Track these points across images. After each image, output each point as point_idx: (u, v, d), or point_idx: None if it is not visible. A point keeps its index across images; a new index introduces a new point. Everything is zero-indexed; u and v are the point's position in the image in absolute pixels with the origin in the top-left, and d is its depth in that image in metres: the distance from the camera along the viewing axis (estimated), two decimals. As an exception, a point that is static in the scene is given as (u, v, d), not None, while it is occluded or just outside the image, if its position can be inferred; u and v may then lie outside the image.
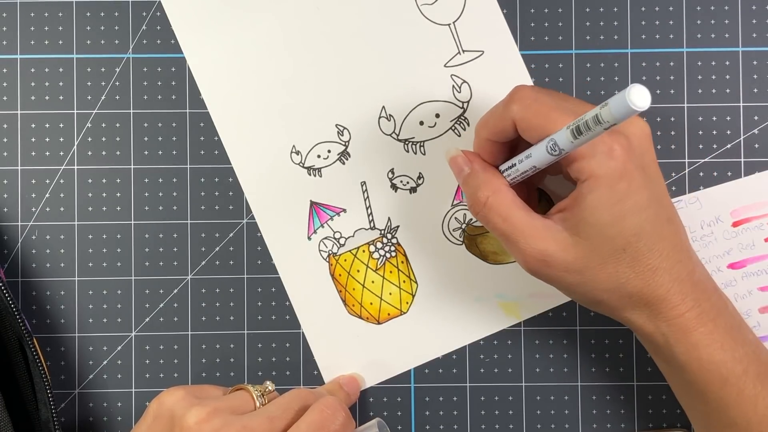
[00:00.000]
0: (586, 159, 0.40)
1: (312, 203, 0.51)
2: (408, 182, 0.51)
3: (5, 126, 0.51)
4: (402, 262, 0.51)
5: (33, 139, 0.51)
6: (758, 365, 0.42)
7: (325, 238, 0.51)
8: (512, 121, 0.42)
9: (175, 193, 0.51)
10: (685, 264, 0.42)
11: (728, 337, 0.42)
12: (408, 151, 0.51)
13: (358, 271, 0.51)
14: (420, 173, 0.51)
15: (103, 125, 0.51)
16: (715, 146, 0.51)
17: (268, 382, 0.45)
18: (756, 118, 0.50)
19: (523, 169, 0.43)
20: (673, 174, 0.50)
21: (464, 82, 0.50)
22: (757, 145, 0.50)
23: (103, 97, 0.51)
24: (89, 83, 0.51)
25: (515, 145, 0.45)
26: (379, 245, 0.51)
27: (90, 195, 0.51)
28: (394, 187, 0.51)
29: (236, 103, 0.51)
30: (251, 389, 0.44)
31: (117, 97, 0.51)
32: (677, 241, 0.42)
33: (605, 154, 0.40)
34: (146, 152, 0.51)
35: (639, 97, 0.34)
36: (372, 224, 0.51)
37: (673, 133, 0.51)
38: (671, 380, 0.45)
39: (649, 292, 0.41)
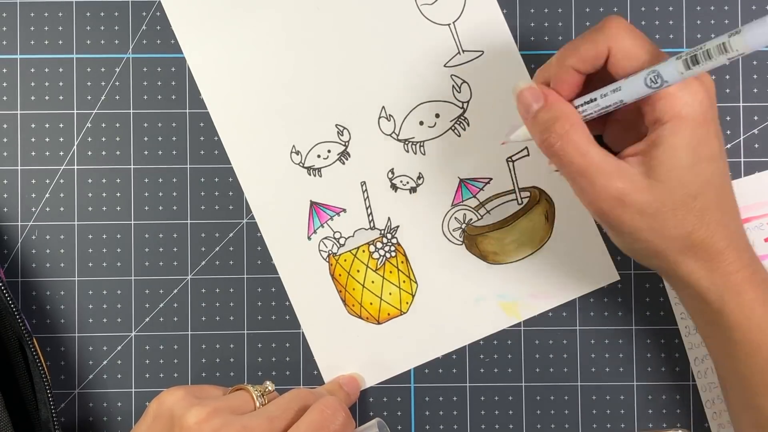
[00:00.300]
0: (674, 99, 0.40)
1: (312, 203, 0.51)
2: (408, 182, 0.51)
3: (5, 126, 0.51)
4: (402, 262, 0.51)
5: (33, 139, 0.51)
6: None
7: (325, 238, 0.51)
8: (607, 49, 0.41)
9: (175, 193, 0.51)
10: (739, 224, 0.43)
11: None
12: (408, 151, 0.51)
13: (358, 271, 0.51)
14: (420, 173, 0.51)
15: (103, 125, 0.51)
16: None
17: (268, 383, 0.45)
18: (756, 118, 0.50)
19: (606, 104, 0.41)
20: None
21: (464, 82, 0.50)
22: (757, 145, 0.50)
23: (103, 97, 0.51)
24: (89, 83, 0.51)
25: (587, 82, 0.44)
26: (379, 245, 0.51)
27: (90, 195, 0.51)
28: (394, 187, 0.51)
29: (236, 103, 0.51)
30: (251, 389, 0.44)
31: (117, 97, 0.51)
32: (734, 200, 0.43)
33: (692, 96, 0.40)
34: (146, 152, 0.51)
35: None
36: (372, 224, 0.51)
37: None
38: (714, 342, 0.44)
39: (712, 244, 0.41)
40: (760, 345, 0.41)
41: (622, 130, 0.45)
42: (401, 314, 0.51)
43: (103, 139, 0.51)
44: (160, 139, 0.51)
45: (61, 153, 0.51)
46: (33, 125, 0.51)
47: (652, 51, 0.41)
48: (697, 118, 0.40)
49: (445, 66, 0.51)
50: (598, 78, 0.42)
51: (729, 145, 0.50)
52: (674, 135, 0.40)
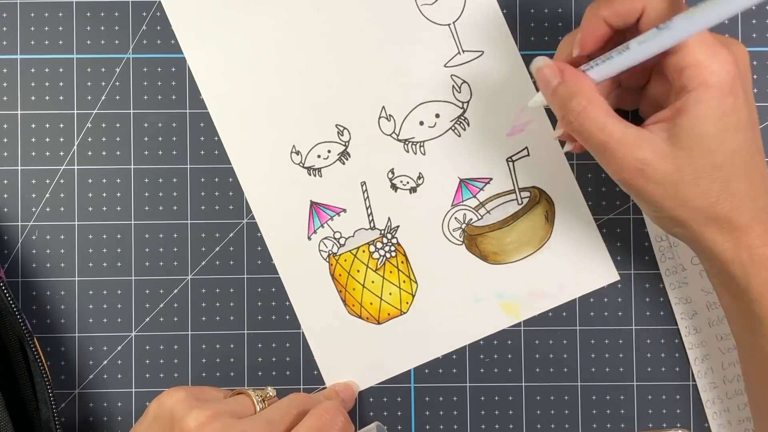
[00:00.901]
0: (701, 68, 0.40)
1: (312, 203, 0.51)
2: (408, 182, 0.51)
3: (5, 126, 0.51)
4: (402, 262, 0.51)
5: (33, 139, 0.51)
6: None
7: (325, 238, 0.51)
8: (642, 6, 0.41)
9: (175, 193, 0.51)
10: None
11: None
12: (408, 151, 0.51)
13: (358, 271, 0.51)
14: (420, 173, 0.51)
15: (103, 125, 0.51)
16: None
17: (269, 388, 0.46)
18: (756, 118, 0.50)
19: (623, 60, 0.41)
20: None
21: (464, 82, 0.50)
22: (757, 145, 0.50)
23: (103, 97, 0.51)
24: (89, 83, 0.51)
25: (610, 41, 0.44)
26: (379, 245, 0.51)
27: (90, 195, 0.51)
28: (394, 187, 0.51)
29: (236, 103, 0.51)
30: (252, 394, 0.44)
31: (117, 97, 0.51)
32: (765, 173, 0.42)
33: (720, 65, 0.40)
34: (146, 152, 0.51)
35: None
36: (372, 224, 0.51)
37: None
38: (735, 315, 0.44)
39: (737, 216, 0.41)
40: None
41: (654, 105, 0.45)
42: (401, 314, 0.51)
43: (103, 139, 0.51)
44: (160, 139, 0.51)
45: (61, 153, 0.51)
46: (33, 125, 0.51)
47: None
48: (724, 87, 0.40)
49: (445, 66, 0.51)
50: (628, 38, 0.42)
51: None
52: (699, 103, 0.40)
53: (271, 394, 0.45)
